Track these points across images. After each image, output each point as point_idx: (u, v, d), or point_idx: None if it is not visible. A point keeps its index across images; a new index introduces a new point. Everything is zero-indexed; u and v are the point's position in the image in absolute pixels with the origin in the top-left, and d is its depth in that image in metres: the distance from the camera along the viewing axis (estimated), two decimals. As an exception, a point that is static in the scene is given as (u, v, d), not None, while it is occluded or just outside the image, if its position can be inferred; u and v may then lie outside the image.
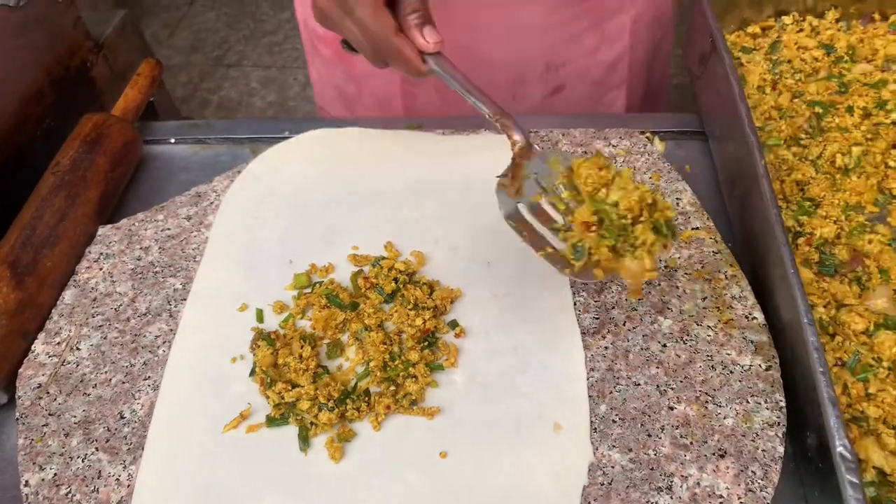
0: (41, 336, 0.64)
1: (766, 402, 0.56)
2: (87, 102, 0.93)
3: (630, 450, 0.54)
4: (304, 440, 0.56)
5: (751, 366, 0.58)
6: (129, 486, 0.55)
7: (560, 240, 0.56)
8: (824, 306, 0.63)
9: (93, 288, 0.67)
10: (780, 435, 0.54)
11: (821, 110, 0.76)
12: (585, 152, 0.75)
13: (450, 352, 0.60)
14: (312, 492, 0.54)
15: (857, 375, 0.58)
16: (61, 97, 0.87)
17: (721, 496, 0.51)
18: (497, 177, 0.60)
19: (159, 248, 0.70)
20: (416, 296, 0.63)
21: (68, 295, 0.67)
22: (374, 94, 0.95)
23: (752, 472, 0.52)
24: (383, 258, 0.67)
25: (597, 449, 0.54)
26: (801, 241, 0.67)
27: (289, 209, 0.73)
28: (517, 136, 0.60)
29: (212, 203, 0.74)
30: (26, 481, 0.55)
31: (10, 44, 0.79)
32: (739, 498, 0.51)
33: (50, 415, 0.59)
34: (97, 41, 0.96)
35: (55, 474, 0.56)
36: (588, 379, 0.58)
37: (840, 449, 0.49)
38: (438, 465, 0.54)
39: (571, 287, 0.64)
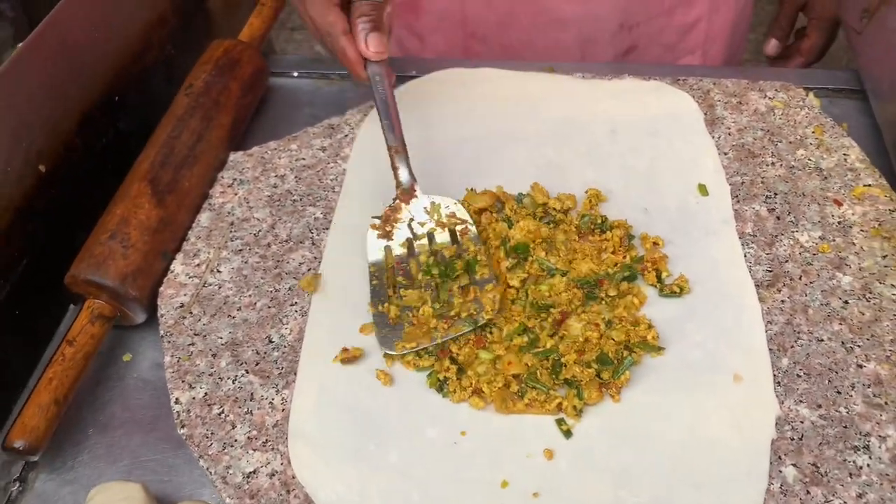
0: (179, 257, 0.62)
1: (965, 365, 0.52)
2: (202, 32, 0.90)
3: (819, 406, 0.51)
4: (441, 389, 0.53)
5: (945, 328, 0.54)
6: (283, 410, 0.53)
7: (400, 295, 0.57)
8: None
9: (229, 212, 0.65)
10: (985, 399, 0.50)
11: None
12: (740, 102, 0.71)
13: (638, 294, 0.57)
14: (476, 429, 0.51)
15: None
16: (182, 24, 0.85)
17: (926, 460, 0.48)
18: (372, 217, 0.60)
19: (295, 177, 0.68)
20: (596, 222, 0.60)
21: (204, 218, 0.65)
22: (435, 49, 0.91)
23: (958, 436, 0.49)
24: (527, 194, 0.64)
25: (782, 402, 0.51)
26: (985, 204, 0.62)
27: (427, 145, 0.70)
28: (403, 177, 0.60)
29: (346, 136, 0.71)
30: (177, 398, 0.54)
31: (142, -37, 0.77)
32: (946, 462, 0.48)
33: (195, 334, 0.57)
34: (213, -29, 0.93)
35: (206, 393, 0.54)
36: (766, 332, 0.54)
37: None
38: (611, 408, 0.51)
39: (740, 238, 0.60)
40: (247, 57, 0.75)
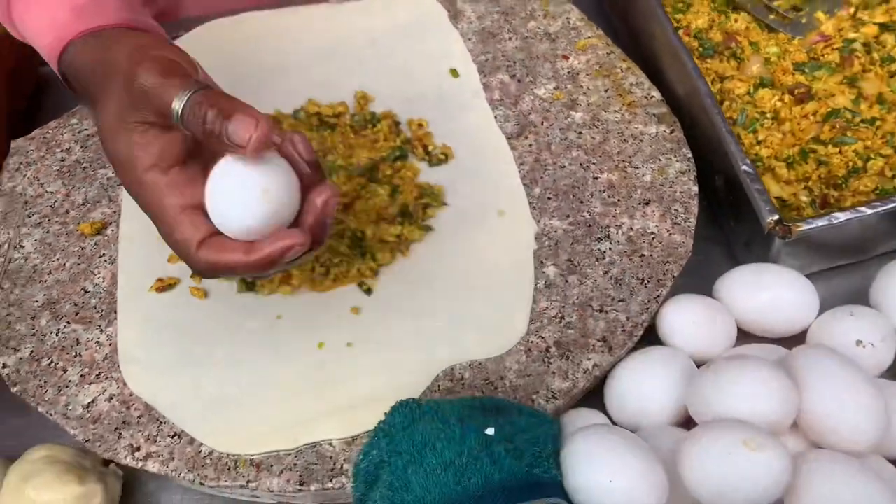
0: (-20, 245, 0.63)
1: (675, 156, 0.63)
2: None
3: (567, 216, 0.60)
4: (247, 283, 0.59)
5: (657, 133, 0.65)
6: (110, 344, 0.56)
7: None
8: (710, 82, 0.71)
9: (21, 193, 0.67)
10: (692, 178, 0.62)
11: (676, -74, 0.84)
12: (476, -6, 0.80)
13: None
14: (290, 310, 0.57)
15: (748, 128, 0.66)
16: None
17: (653, 233, 0.59)
18: None
19: (81, 147, 0.70)
20: (366, 118, 0.67)
21: (-2, 204, 0.66)
22: None
23: (675, 210, 0.60)
24: (301, 108, 0.70)
25: (539, 221, 0.60)
26: (679, 32, 0.74)
27: (203, 93, 0.74)
28: None
29: (124, 100, 0.74)
30: (3, 364, 0.56)
31: None
32: (668, 231, 0.59)
33: (10, 305, 0.59)
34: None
35: (31, 351, 0.56)
36: (520, 171, 0.64)
37: (745, 168, 0.57)
38: (403, 263, 0.59)
39: (490, 104, 0.69)
40: (6, 49, 0.76)
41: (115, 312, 0.58)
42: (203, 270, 0.43)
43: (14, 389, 0.55)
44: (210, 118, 0.40)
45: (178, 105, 0.42)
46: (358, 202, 0.62)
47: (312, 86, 0.73)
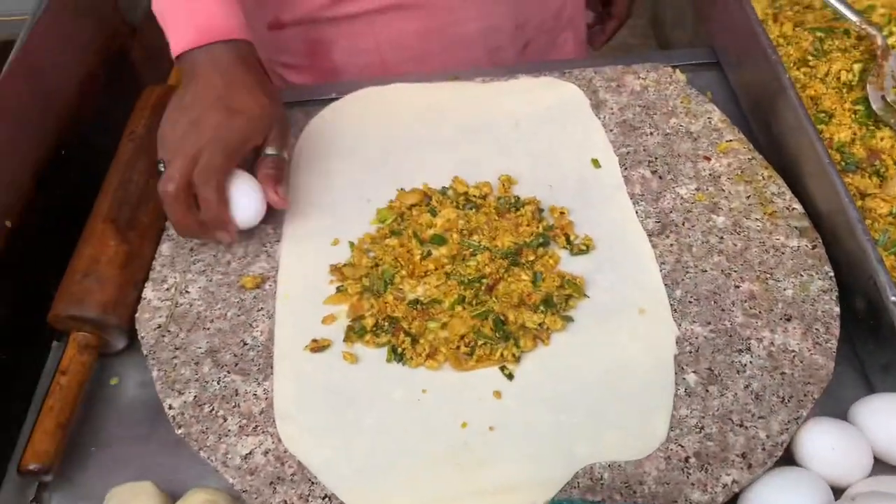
0: (149, 285, 0.69)
1: (817, 273, 0.64)
2: (130, 82, 0.97)
3: (709, 323, 0.62)
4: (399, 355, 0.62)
5: (799, 246, 0.66)
6: (266, 398, 0.60)
7: None
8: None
9: (186, 239, 0.72)
10: (834, 298, 0.62)
11: (822, 35, 0.85)
12: (619, 85, 0.82)
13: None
14: (435, 386, 0.60)
15: (889, 250, 0.67)
16: (110, 79, 0.91)
17: (794, 350, 0.60)
18: (869, 76, 0.76)
19: (242, 200, 0.75)
20: (511, 202, 0.70)
21: (165, 248, 0.72)
22: None
23: (816, 329, 0.61)
24: (450, 187, 0.74)
25: (679, 325, 0.62)
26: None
27: (354, 159, 0.79)
28: (879, 41, 0.78)
29: (282, 159, 0.79)
30: (170, 405, 0.61)
31: (69, 28, 0.84)
32: (809, 350, 0.59)
33: (176, 349, 0.64)
34: (132, 25, 1.00)
35: (195, 396, 0.61)
36: (661, 271, 0.66)
37: (894, 299, 0.58)
38: (544, 352, 0.61)
39: (630, 198, 0.71)
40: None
41: (271, 368, 0.62)
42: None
43: (178, 432, 0.59)
44: (273, 175, 0.69)
45: (271, 150, 0.69)
46: (501, 284, 0.65)
47: (458, 162, 0.77)
